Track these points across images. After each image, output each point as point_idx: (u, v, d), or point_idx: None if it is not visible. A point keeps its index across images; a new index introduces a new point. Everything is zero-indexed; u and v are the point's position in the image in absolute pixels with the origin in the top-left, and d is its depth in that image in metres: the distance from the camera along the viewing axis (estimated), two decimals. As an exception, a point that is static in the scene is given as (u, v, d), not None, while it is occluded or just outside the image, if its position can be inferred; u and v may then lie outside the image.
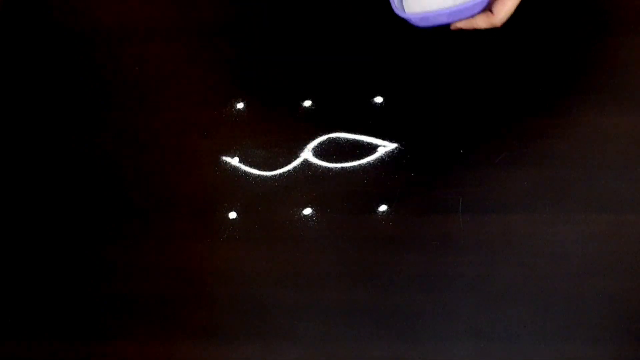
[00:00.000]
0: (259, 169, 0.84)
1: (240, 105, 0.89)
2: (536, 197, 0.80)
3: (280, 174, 0.84)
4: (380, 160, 0.84)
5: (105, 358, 0.76)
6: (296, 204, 0.82)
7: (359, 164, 0.84)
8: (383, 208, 0.81)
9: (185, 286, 0.79)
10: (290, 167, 0.84)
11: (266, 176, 0.84)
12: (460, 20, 0.78)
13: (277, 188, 0.83)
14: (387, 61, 0.90)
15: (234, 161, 0.85)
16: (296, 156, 0.85)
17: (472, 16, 0.77)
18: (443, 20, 0.77)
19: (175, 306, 0.78)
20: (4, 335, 0.78)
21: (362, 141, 0.85)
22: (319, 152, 0.85)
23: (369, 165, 0.84)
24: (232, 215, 0.82)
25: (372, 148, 0.84)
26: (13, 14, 0.99)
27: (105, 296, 0.79)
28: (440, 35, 0.90)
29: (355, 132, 0.85)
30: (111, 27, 0.97)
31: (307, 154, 0.85)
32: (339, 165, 0.84)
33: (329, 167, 0.84)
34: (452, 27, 0.81)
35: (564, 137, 0.83)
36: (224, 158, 0.86)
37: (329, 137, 0.86)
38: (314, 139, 0.85)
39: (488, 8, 0.77)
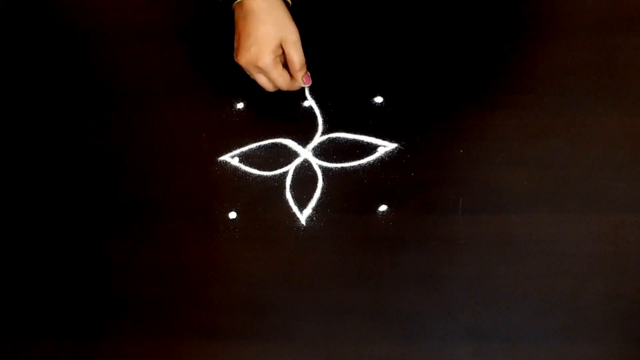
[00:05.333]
0: (259, 169, 0.84)
1: (240, 105, 0.89)
2: (536, 197, 0.80)
3: (280, 174, 0.84)
4: (380, 160, 0.84)
5: (105, 358, 0.76)
6: (296, 204, 0.82)
7: (359, 164, 0.84)
8: (383, 208, 0.81)
9: (185, 286, 0.78)
10: (290, 167, 0.84)
11: (266, 176, 0.84)
12: None
13: (277, 188, 0.83)
14: (387, 61, 0.90)
15: (234, 161, 0.85)
16: (296, 156, 0.85)
17: None
18: None
19: (175, 306, 0.78)
20: (4, 335, 0.78)
21: (362, 141, 0.85)
22: (319, 152, 0.85)
23: (369, 165, 0.83)
24: (232, 215, 0.82)
25: (372, 148, 0.84)
26: (13, 14, 0.99)
27: (105, 296, 0.79)
28: (441, 35, 0.90)
29: (355, 132, 0.85)
30: (111, 27, 0.97)
31: (307, 154, 0.85)
32: (339, 165, 0.84)
33: (329, 167, 0.84)
34: None
35: (564, 137, 0.83)
36: (224, 158, 0.86)
37: (329, 137, 0.86)
38: (314, 139, 0.85)
39: None
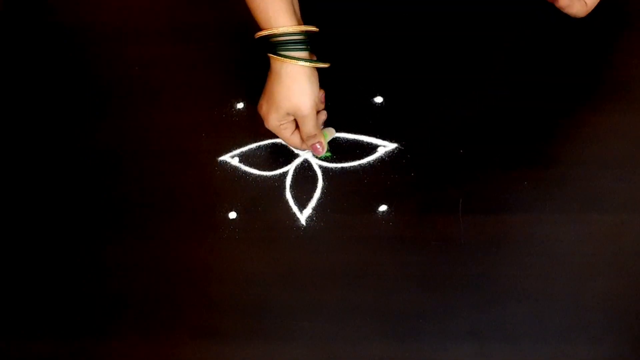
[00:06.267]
0: (259, 169, 0.84)
1: (240, 105, 0.89)
2: (536, 197, 0.80)
3: (280, 174, 0.84)
4: (380, 160, 0.84)
5: (104, 358, 0.76)
6: (296, 204, 0.82)
7: (359, 164, 0.84)
8: (383, 208, 0.81)
9: (185, 286, 0.79)
10: (290, 167, 0.84)
11: (266, 176, 0.84)
12: None
13: (277, 188, 0.83)
14: (388, 60, 0.90)
15: (234, 161, 0.85)
16: (296, 156, 0.85)
17: None
18: None
19: (175, 306, 0.78)
20: (4, 335, 0.78)
21: (362, 141, 0.85)
22: (319, 152, 0.85)
23: (369, 165, 0.84)
24: (232, 215, 0.82)
25: (372, 148, 0.84)
26: (13, 14, 0.99)
27: (104, 296, 0.79)
28: (441, 35, 0.90)
29: (355, 132, 0.85)
30: (112, 28, 0.97)
31: (307, 154, 0.85)
32: (339, 165, 0.84)
33: (329, 167, 0.84)
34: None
35: (563, 137, 0.83)
36: (224, 158, 0.86)
37: (329, 137, 0.86)
38: (314, 139, 0.85)
39: None
